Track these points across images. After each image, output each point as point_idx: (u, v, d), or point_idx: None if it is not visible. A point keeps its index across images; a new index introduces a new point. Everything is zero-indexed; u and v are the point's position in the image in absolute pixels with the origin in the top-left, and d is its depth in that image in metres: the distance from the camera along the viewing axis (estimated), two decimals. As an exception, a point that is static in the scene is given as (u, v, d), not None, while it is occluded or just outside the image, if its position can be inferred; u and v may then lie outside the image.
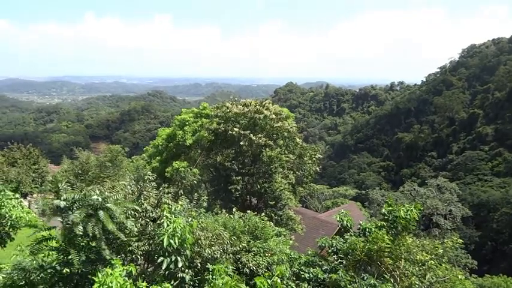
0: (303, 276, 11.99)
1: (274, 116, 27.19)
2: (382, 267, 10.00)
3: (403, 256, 10.05)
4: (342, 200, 50.21)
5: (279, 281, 7.87)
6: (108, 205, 9.46)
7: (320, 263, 12.87)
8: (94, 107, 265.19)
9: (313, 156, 29.52)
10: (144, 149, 35.66)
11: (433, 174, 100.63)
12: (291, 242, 16.59)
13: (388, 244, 10.23)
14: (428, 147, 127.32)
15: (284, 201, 25.22)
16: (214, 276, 8.39)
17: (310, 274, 11.78)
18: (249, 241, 13.22)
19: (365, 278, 9.92)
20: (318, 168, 30.52)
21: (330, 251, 13.43)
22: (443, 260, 11.74)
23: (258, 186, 25.50)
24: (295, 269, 12.54)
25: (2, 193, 17.19)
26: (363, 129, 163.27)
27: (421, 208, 12.63)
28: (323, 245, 13.77)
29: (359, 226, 14.02)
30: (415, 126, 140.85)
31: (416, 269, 10.11)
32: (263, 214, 16.69)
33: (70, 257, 9.65)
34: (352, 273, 10.81)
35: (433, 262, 10.41)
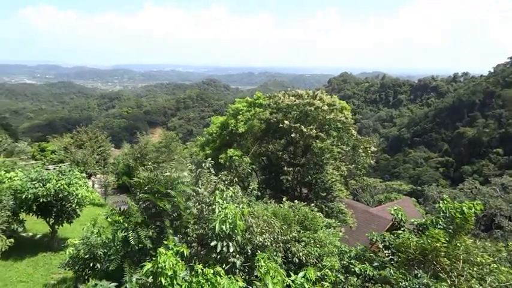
0: (352, 269, 11.89)
1: (326, 107, 26.81)
2: (438, 267, 9.64)
3: (461, 257, 9.60)
4: (396, 195, 48.49)
5: (330, 273, 7.88)
6: (178, 186, 10.00)
7: (370, 257, 12.67)
8: (152, 94, 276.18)
9: (367, 148, 28.77)
10: (196, 138, 36.80)
11: (497, 173, 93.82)
12: (340, 234, 16.43)
13: (445, 243, 9.83)
14: (494, 143, 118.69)
15: (335, 193, 24.97)
16: (260, 263, 8.56)
17: (360, 269, 11.63)
18: (299, 231, 13.30)
19: (418, 275, 9.63)
20: (371, 161, 29.74)
21: (381, 246, 13.17)
22: (507, 264, 11.07)
23: (309, 177, 25.40)
24: (344, 262, 12.46)
25: (71, 173, 18.69)
26: (421, 122, 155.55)
27: (483, 208, 11.95)
28: (374, 239, 13.52)
29: (413, 222, 13.59)
30: (479, 121, 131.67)
31: (476, 271, 9.61)
32: (313, 205, 16.67)
33: (136, 234, 10.32)
34: (404, 271, 10.53)
35: (495, 265, 9.84)
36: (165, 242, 8.25)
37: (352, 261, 12.48)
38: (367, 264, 11.99)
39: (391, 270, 10.55)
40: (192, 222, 10.98)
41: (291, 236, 11.84)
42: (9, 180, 17.98)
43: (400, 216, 13.96)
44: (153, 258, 7.70)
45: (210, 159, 13.15)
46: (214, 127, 30.83)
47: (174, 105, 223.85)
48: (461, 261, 9.58)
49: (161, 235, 10.21)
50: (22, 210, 18.20)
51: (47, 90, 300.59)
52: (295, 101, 26.98)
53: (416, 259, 10.36)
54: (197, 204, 11.34)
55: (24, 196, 17.27)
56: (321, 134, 25.39)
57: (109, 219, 13.67)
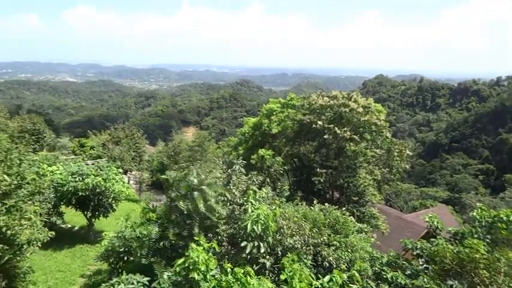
0: (384, 277, 11.61)
1: (361, 109, 26.28)
2: (476, 280, 9.22)
3: (502, 270, 9.14)
4: (431, 202, 46.94)
5: (357, 275, 7.74)
6: (203, 187, 10.13)
7: (403, 265, 12.32)
8: (186, 94, 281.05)
9: (402, 152, 27.96)
10: (228, 138, 37.09)
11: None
12: (372, 240, 16.09)
13: (484, 255, 9.40)
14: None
15: (367, 198, 24.47)
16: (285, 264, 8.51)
17: (392, 277, 11.33)
18: (330, 235, 13.14)
19: (454, 287, 9.26)
20: (406, 166, 28.90)
21: (414, 253, 12.78)
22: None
23: (341, 180, 25.02)
24: (376, 269, 12.18)
25: (109, 169, 19.35)
26: (460, 128, 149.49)
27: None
28: (407, 246, 13.13)
29: (450, 231, 13.10)
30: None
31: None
32: (344, 209, 16.41)
33: (167, 231, 10.55)
34: (438, 282, 10.15)
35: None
36: (196, 238, 8.38)
37: (383, 268, 12.18)
38: (399, 272, 11.67)
39: (425, 280, 10.21)
40: (222, 222, 11.08)
41: (321, 239, 11.70)
42: (51, 174, 18.80)
43: (435, 223, 13.49)
44: (185, 254, 7.83)
45: (241, 159, 13.23)
46: (247, 127, 30.98)
47: (208, 105, 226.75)
48: (502, 274, 9.12)
49: (191, 233, 10.37)
50: (62, 203, 19.02)
51: (87, 88, 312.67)
52: (329, 102, 26.59)
53: (453, 270, 9.96)
54: (228, 204, 11.43)
55: (64, 189, 18.06)
56: (354, 136, 24.91)
57: (142, 216, 14.08)
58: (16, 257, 10.14)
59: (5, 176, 7.86)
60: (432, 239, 12.59)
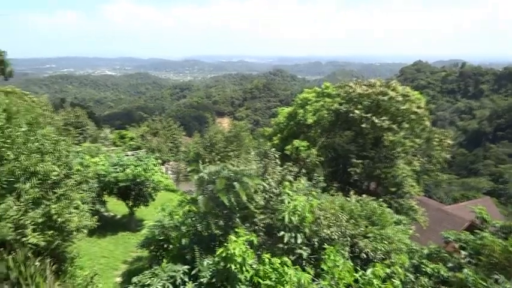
0: (423, 269, 11.36)
1: (400, 97, 25.52)
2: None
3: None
4: (474, 193, 45.11)
5: (400, 270, 7.64)
6: (243, 178, 10.27)
7: (445, 258, 11.99)
8: (220, 85, 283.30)
9: (442, 141, 26.99)
10: (263, 129, 37.09)
11: None
12: (411, 232, 15.72)
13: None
14: None
15: (406, 189, 23.86)
16: (326, 256, 8.52)
17: (433, 269, 11.06)
18: (366, 226, 12.96)
19: (499, 281, 8.92)
20: (447, 156, 27.89)
21: (457, 246, 12.39)
22: None
23: (378, 171, 24.51)
24: (415, 261, 11.93)
25: (148, 159, 19.99)
26: (505, 115, 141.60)
27: None
28: (449, 239, 12.75)
29: (495, 225, 12.59)
30: None
31: None
32: (381, 200, 16.10)
33: (207, 222, 10.80)
34: (483, 275, 9.80)
35: None
36: (236, 230, 8.54)
37: (423, 260, 11.91)
38: (441, 265, 11.37)
39: (469, 273, 9.90)
40: (258, 212, 11.20)
41: (358, 230, 11.57)
42: (94, 164, 19.65)
43: (483, 216, 12.98)
44: (224, 245, 8.02)
45: (274, 149, 13.25)
46: (282, 117, 30.90)
47: (241, 96, 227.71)
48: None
49: (229, 223, 10.54)
50: (104, 192, 19.89)
51: (125, 81, 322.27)
52: (367, 90, 25.99)
53: (501, 264, 9.59)
54: (264, 194, 11.53)
55: (106, 179, 18.86)
56: (393, 126, 24.27)
57: (180, 207, 14.45)
58: (65, 242, 10.75)
59: (54, 166, 8.32)
60: (477, 232, 12.14)
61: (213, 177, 10.89)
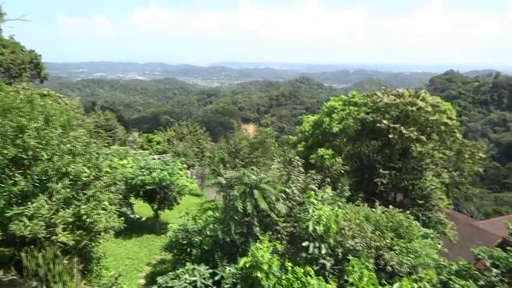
0: (452, 286, 10.96)
1: (430, 108, 24.93)
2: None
3: None
4: (507, 209, 43.31)
5: (428, 286, 7.41)
6: (263, 185, 10.26)
7: (475, 275, 11.52)
8: (247, 91, 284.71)
9: (474, 154, 26.10)
10: (288, 136, 36.97)
11: None
12: (439, 246, 15.24)
13: None
14: None
15: (434, 202, 23.17)
16: (353, 268, 8.38)
17: (462, 286, 10.65)
18: (392, 238, 12.66)
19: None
20: (479, 169, 26.94)
21: (488, 263, 11.89)
22: None
23: (406, 182, 23.95)
24: (443, 277, 11.53)
25: (174, 163, 20.29)
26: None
27: None
28: (480, 255, 12.25)
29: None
30: None
31: None
32: (408, 212, 15.70)
33: (224, 227, 10.85)
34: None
35: None
36: (261, 238, 8.53)
37: (452, 277, 11.49)
38: (471, 282, 10.94)
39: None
40: (281, 220, 11.13)
41: (384, 242, 11.31)
42: (121, 167, 20.10)
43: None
44: (249, 252, 8.02)
45: (297, 157, 13.18)
46: (307, 125, 30.76)
47: (267, 102, 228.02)
48: None
49: (250, 230, 10.52)
50: (131, 194, 20.30)
51: (154, 85, 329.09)
52: (395, 100, 25.53)
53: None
54: (287, 202, 11.46)
55: (133, 182, 19.25)
56: (421, 137, 23.70)
57: (201, 213, 14.56)
58: (92, 242, 11.02)
59: (85, 168, 8.58)
60: (510, 249, 11.62)
61: (233, 183, 10.92)
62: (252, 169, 11.64)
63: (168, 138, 39.39)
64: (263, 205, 9.74)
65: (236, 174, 11.07)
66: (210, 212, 13.64)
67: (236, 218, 10.60)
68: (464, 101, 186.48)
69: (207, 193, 31.34)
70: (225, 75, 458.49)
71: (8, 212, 7.26)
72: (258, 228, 10.15)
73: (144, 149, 39.48)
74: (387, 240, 11.57)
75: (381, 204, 15.46)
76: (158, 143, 42.87)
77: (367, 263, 9.70)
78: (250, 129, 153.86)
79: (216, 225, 12.27)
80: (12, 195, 7.42)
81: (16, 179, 7.45)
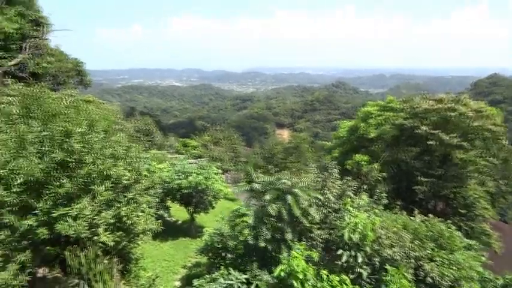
0: (497, 301, 10.42)
1: (472, 113, 23.89)
2: None
3: None
4: (558, 220, 40.55)
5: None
6: (295, 191, 10.20)
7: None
8: (281, 96, 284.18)
9: (523, 162, 24.74)
10: (323, 142, 36.57)
11: None
12: (483, 259, 14.52)
13: None
14: None
15: (478, 211, 22.14)
16: (391, 278, 8.14)
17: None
18: (433, 249, 12.20)
19: None
20: (527, 178, 25.48)
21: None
22: None
23: (447, 191, 23.03)
24: (488, 291, 11.00)
25: (209, 168, 20.59)
26: None
27: None
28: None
29: None
30: None
31: None
32: (450, 222, 15.08)
33: (257, 232, 10.86)
34: None
35: None
36: (294, 245, 8.47)
37: (497, 291, 10.93)
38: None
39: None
40: (316, 227, 10.99)
41: (423, 253, 10.91)
42: (159, 171, 20.64)
43: None
44: (284, 259, 7.98)
45: (334, 163, 12.98)
46: (343, 131, 30.30)
47: (302, 108, 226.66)
48: None
49: (282, 236, 10.45)
50: (168, 198, 20.78)
51: (191, 91, 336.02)
52: (434, 105, 24.70)
53: None
54: (322, 208, 11.30)
55: (170, 186, 19.71)
56: (463, 143, 22.75)
57: (236, 217, 14.66)
58: (131, 243, 11.37)
59: (125, 171, 8.90)
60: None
61: (266, 188, 10.90)
62: (286, 174, 11.58)
63: (204, 143, 40.04)
64: (296, 211, 9.67)
65: (269, 179, 11.06)
66: (243, 217, 13.71)
67: (268, 223, 10.58)
68: (511, 105, 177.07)
69: (241, 198, 31.52)
70: (259, 81, 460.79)
71: (54, 213, 7.64)
72: (290, 235, 10.07)
73: (180, 154, 40.31)
74: (427, 251, 11.16)
75: (420, 212, 14.97)
76: (194, 147, 43.65)
77: (406, 274, 9.41)
78: (285, 135, 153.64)
79: (248, 231, 12.32)
80: (58, 197, 7.80)
81: (62, 182, 7.84)
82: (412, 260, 10.50)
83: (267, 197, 10.13)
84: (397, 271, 7.58)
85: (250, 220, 11.50)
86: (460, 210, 22.49)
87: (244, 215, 13.75)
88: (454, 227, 14.22)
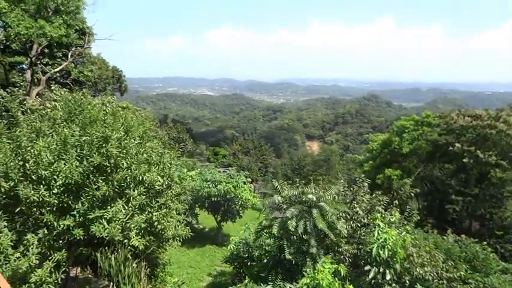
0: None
1: (513, 131, 22.97)
2: None
3: None
4: None
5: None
6: (321, 204, 10.12)
7: None
8: (312, 108, 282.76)
9: None
10: (354, 156, 35.93)
11: None
12: (521, 284, 13.80)
13: None
14: None
15: (516, 234, 21.16)
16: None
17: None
18: (466, 271, 11.74)
19: None
20: None
21: None
22: None
23: (482, 211, 22.15)
24: (525, 318, 10.44)
25: (238, 177, 20.77)
26: None
27: None
28: None
29: None
30: None
31: None
32: (485, 243, 14.48)
33: (282, 244, 10.82)
34: None
35: None
36: (319, 259, 8.39)
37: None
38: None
39: None
40: (343, 241, 10.83)
41: (457, 274, 10.51)
42: (189, 178, 21.01)
43: None
44: (309, 273, 7.90)
45: (363, 176, 12.78)
46: (375, 144, 29.79)
47: (333, 120, 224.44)
48: None
49: (307, 250, 10.34)
50: (196, 205, 21.09)
51: (222, 101, 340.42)
52: (471, 122, 23.94)
53: None
54: (351, 222, 11.12)
55: (200, 193, 20.02)
56: (502, 162, 21.86)
57: (261, 228, 14.66)
58: (159, 248, 11.60)
59: (158, 177, 9.15)
60: None
61: (291, 200, 10.85)
62: (312, 187, 11.51)
63: (234, 152, 40.41)
64: (321, 225, 9.58)
65: (295, 192, 11.00)
66: (268, 228, 13.70)
67: (293, 236, 10.50)
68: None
69: (268, 209, 31.47)
70: (291, 92, 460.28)
71: (90, 215, 7.95)
72: (314, 249, 9.96)
73: (210, 162, 40.88)
74: (461, 272, 10.74)
75: (453, 232, 14.47)
76: (224, 156, 44.13)
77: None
78: (314, 147, 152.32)
79: (272, 241, 12.29)
80: (94, 199, 8.12)
81: (99, 185, 8.16)
82: (445, 282, 10.13)
83: (289, 213, 10.10)
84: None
85: (274, 230, 11.49)
86: (497, 232, 21.55)
87: (270, 226, 13.76)
88: (489, 249, 13.65)
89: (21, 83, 21.00)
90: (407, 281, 9.37)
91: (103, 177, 8.40)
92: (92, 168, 8.39)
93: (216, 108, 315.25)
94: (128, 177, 8.53)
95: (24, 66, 24.22)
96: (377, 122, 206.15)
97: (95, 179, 8.32)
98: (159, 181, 9.11)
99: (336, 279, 7.99)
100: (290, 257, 10.13)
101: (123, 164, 8.46)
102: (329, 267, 7.97)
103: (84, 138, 8.65)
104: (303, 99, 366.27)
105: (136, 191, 8.54)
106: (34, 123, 9.19)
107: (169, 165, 10.22)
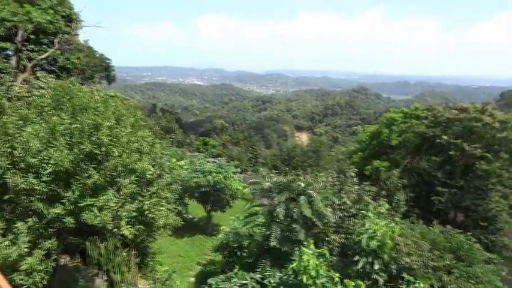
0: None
1: (498, 124, 23.35)
2: None
3: None
4: None
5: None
6: (310, 191, 10.24)
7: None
8: (301, 99, 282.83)
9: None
10: (342, 147, 36.27)
11: None
12: (503, 273, 14.18)
13: None
14: None
15: (499, 225, 21.62)
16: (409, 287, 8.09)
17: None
18: (451, 260, 12.01)
19: None
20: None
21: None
22: None
23: (467, 202, 22.58)
24: (507, 307, 10.75)
25: (228, 167, 20.81)
26: None
27: None
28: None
29: None
30: None
31: None
32: (469, 234, 14.81)
33: (270, 232, 10.94)
34: None
35: None
36: (303, 243, 8.51)
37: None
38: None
39: None
40: (331, 231, 10.98)
41: (442, 263, 10.76)
42: (179, 168, 20.97)
43: None
44: (295, 258, 8.03)
45: (352, 167, 12.93)
46: (365, 135, 30.04)
47: (322, 111, 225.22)
48: None
49: (296, 236, 10.48)
50: (186, 195, 21.09)
51: (211, 90, 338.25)
52: (457, 115, 24.28)
53: None
54: (338, 212, 11.27)
55: (189, 183, 20.01)
56: (487, 154, 22.27)
57: (247, 216, 14.80)
58: (149, 238, 11.62)
59: (150, 166, 9.13)
60: None
61: (279, 188, 10.95)
62: (301, 175, 11.61)
63: (223, 142, 40.35)
64: (307, 212, 9.72)
65: (282, 179, 11.11)
66: (256, 217, 13.82)
67: (281, 223, 10.62)
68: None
69: (257, 197, 31.64)
70: (280, 83, 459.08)
71: (81, 203, 7.90)
72: (302, 235, 10.11)
73: (199, 152, 40.76)
74: (446, 262, 11.00)
75: (438, 223, 14.75)
76: (213, 146, 44.04)
77: (425, 285, 9.29)
78: (304, 138, 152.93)
79: (259, 229, 12.40)
80: (85, 188, 8.06)
81: (90, 173, 8.11)
82: (430, 270, 10.36)
83: (278, 198, 10.20)
84: (425, 280, 7.50)
85: (261, 219, 11.58)
86: (481, 223, 21.99)
87: (256, 213, 13.88)
88: (473, 240, 13.95)
89: (6, 70, 20.56)
90: (394, 270, 9.57)
91: (94, 165, 8.34)
92: (82, 156, 8.31)
93: (205, 98, 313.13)
94: (119, 166, 8.48)
95: (9, 52, 23.68)
96: (366, 114, 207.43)
97: (86, 167, 8.25)
98: (150, 170, 9.08)
99: (322, 261, 8.14)
100: (276, 243, 10.25)
101: (114, 152, 8.39)
102: (313, 250, 8.11)
103: (74, 125, 8.56)
104: (293, 90, 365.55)
105: (127, 179, 8.50)
106: (21, 111, 9.05)
107: (160, 154, 10.20)
